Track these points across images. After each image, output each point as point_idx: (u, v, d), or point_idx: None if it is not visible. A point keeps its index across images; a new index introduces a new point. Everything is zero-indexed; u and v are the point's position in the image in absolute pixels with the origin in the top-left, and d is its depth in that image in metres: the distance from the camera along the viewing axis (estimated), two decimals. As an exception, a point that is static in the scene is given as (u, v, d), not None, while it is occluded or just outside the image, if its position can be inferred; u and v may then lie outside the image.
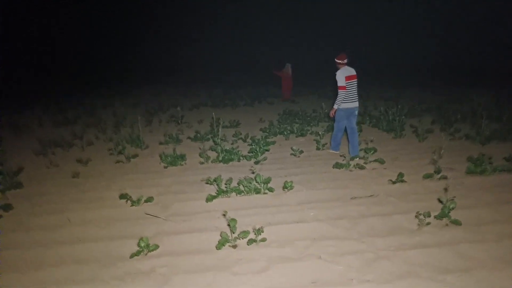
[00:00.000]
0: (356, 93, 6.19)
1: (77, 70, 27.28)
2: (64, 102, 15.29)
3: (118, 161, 6.59)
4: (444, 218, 3.78)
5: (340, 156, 6.27)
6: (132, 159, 6.68)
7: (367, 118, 9.58)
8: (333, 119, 6.55)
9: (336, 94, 6.15)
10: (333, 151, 6.65)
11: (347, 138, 6.60)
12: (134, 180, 5.61)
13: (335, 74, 6.12)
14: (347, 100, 6.13)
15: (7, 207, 4.52)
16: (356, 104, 6.23)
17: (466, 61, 23.51)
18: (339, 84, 6.03)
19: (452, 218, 3.76)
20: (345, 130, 6.52)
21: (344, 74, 6.03)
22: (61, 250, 3.58)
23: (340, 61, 6.11)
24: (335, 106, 6.16)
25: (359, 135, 7.22)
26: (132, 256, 3.37)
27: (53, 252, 3.53)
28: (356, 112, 6.33)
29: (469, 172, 5.24)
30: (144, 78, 24.87)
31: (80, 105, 14.50)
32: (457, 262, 3.10)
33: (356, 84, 6.17)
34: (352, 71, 6.13)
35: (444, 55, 26.29)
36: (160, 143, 7.87)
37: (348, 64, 6.15)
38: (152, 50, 32.92)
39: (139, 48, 32.87)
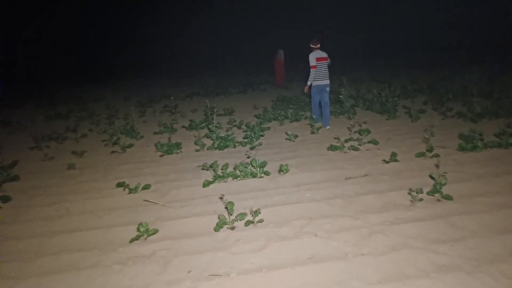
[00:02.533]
0: (326, 73, 7.14)
1: (65, 66, 26.94)
2: (54, 97, 15.17)
3: (113, 152, 6.61)
4: (436, 194, 3.87)
5: (334, 138, 6.33)
6: (127, 149, 6.70)
7: (361, 101, 9.63)
8: (308, 95, 7.70)
9: (308, 73, 7.07)
10: (328, 127, 7.35)
11: (322, 112, 7.43)
12: (130, 170, 5.64)
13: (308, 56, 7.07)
14: (318, 79, 7.08)
15: (5, 199, 4.55)
16: (327, 82, 7.16)
17: (462, 38, 23.54)
18: (310, 64, 6.97)
19: (444, 193, 3.84)
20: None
21: (314, 56, 6.99)
22: (61, 239, 3.62)
23: (313, 46, 7.10)
24: (308, 83, 7.13)
25: (353, 118, 7.44)
26: (132, 240, 3.42)
27: (54, 241, 3.58)
28: (327, 89, 7.21)
29: (461, 149, 5.33)
30: (135, 71, 24.64)
31: (71, 99, 14.40)
32: (449, 233, 3.19)
33: (326, 65, 7.12)
34: (323, 54, 7.09)
35: (438, 33, 26.26)
36: (155, 133, 7.88)
37: (320, 48, 7.12)
38: (142, 43, 32.51)
39: (128, 41, 32.43)
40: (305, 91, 7.33)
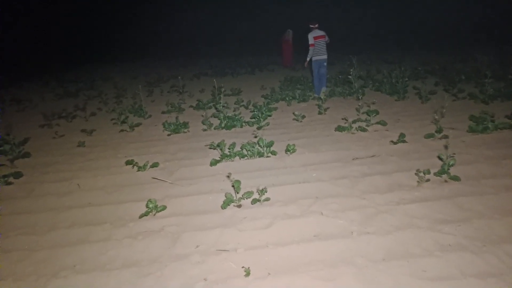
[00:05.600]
0: (324, 49, 8.11)
1: (74, 44, 26.87)
2: (63, 76, 15.23)
3: (122, 130, 6.67)
4: (443, 175, 3.85)
5: (342, 119, 6.29)
6: (135, 128, 6.75)
7: (370, 82, 9.50)
8: (307, 69, 8.95)
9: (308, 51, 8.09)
10: (316, 96, 8.34)
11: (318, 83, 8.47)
12: (139, 148, 5.70)
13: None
14: (317, 54, 8.08)
15: (17, 175, 4.65)
16: (325, 57, 8.16)
17: (474, 20, 22.86)
18: (309, 42, 7.97)
19: (451, 174, 3.82)
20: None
21: (313, 35, 7.97)
22: (73, 213, 3.71)
23: (312, 25, 8.05)
24: (307, 59, 8.16)
25: (361, 98, 7.43)
26: (141, 216, 3.50)
27: (65, 216, 3.67)
28: (325, 63, 8.25)
29: (471, 130, 5.27)
30: (143, 51, 24.52)
31: (79, 78, 14.45)
32: (455, 214, 3.20)
33: (323, 42, 8.08)
34: (320, 33, 8.03)
35: (449, 15, 25.49)
36: (163, 112, 7.91)
37: (319, 28, 8.08)
38: (150, 23, 32.14)
39: (136, 20, 32.10)
40: (306, 65, 8.38)
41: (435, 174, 3.88)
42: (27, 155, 5.47)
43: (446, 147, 3.95)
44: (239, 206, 3.62)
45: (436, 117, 5.30)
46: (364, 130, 5.73)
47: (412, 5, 28.52)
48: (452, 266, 2.54)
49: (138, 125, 6.89)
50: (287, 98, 8.24)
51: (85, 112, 8.08)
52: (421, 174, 3.80)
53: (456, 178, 3.80)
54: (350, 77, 8.53)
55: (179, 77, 10.23)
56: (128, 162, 4.83)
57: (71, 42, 26.91)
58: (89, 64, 19.77)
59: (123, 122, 6.98)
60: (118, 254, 2.99)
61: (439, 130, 5.18)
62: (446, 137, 5.04)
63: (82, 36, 28.38)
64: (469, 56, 12.71)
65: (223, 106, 6.92)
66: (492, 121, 5.32)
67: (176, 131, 6.33)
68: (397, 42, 19.93)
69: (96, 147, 5.85)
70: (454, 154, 3.99)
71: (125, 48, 25.85)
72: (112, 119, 7.37)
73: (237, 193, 3.67)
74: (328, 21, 7.75)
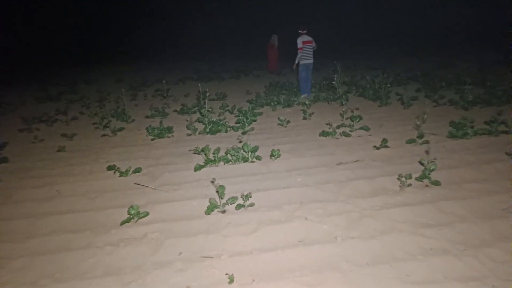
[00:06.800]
0: (311, 53, 8.57)
1: (56, 47, 26.34)
2: (45, 79, 14.89)
3: (104, 135, 6.55)
4: (424, 180, 3.92)
5: (326, 124, 6.34)
6: (118, 133, 6.64)
7: (354, 88, 9.62)
8: (296, 72, 9.09)
9: (296, 54, 8.49)
10: (305, 95, 8.80)
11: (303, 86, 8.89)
12: (121, 153, 5.60)
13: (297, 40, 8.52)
14: (304, 58, 8.53)
15: (-6, 181, 4.49)
16: (311, 61, 8.64)
17: (454, 27, 23.52)
18: (298, 46, 8.42)
19: (432, 179, 3.90)
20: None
21: (301, 40, 8.43)
22: (52, 220, 3.60)
23: (301, 31, 8.51)
24: (296, 61, 8.55)
25: (345, 104, 7.48)
26: (122, 223, 3.42)
27: (45, 222, 3.56)
28: (311, 67, 8.71)
29: (451, 136, 5.39)
30: (127, 54, 24.20)
31: (62, 81, 14.15)
32: (437, 218, 3.25)
33: (311, 47, 8.54)
34: (308, 38, 8.50)
35: (433, 23, 26.16)
36: (146, 117, 7.81)
37: (307, 33, 8.51)
38: (135, 26, 31.85)
39: (120, 24, 31.75)
40: (294, 67, 8.76)
41: (416, 179, 3.95)
42: (4, 160, 5.30)
43: (427, 152, 4.02)
44: (223, 211, 3.59)
45: (418, 122, 5.41)
46: (348, 135, 5.79)
47: (396, 12, 29.15)
48: (435, 270, 2.57)
49: (121, 129, 6.77)
50: (272, 103, 8.26)
51: (66, 116, 7.90)
52: (403, 179, 3.86)
53: (436, 183, 3.87)
54: (334, 82, 8.65)
55: (164, 81, 10.13)
56: (110, 168, 4.74)
57: (53, 45, 26.37)
58: (71, 67, 19.37)
59: (106, 126, 6.85)
60: (99, 261, 2.91)
61: (421, 136, 5.28)
62: (427, 142, 5.14)
63: (67, 38, 27.88)
64: (451, 63, 13.05)
65: (208, 111, 6.88)
66: (472, 127, 5.46)
67: (160, 135, 6.25)
68: (382, 48, 20.28)
69: (77, 152, 5.72)
70: (435, 159, 4.07)
71: (108, 52, 25.46)
72: (94, 123, 7.23)
73: (221, 198, 3.64)
74: (315, 28, 7.88)
